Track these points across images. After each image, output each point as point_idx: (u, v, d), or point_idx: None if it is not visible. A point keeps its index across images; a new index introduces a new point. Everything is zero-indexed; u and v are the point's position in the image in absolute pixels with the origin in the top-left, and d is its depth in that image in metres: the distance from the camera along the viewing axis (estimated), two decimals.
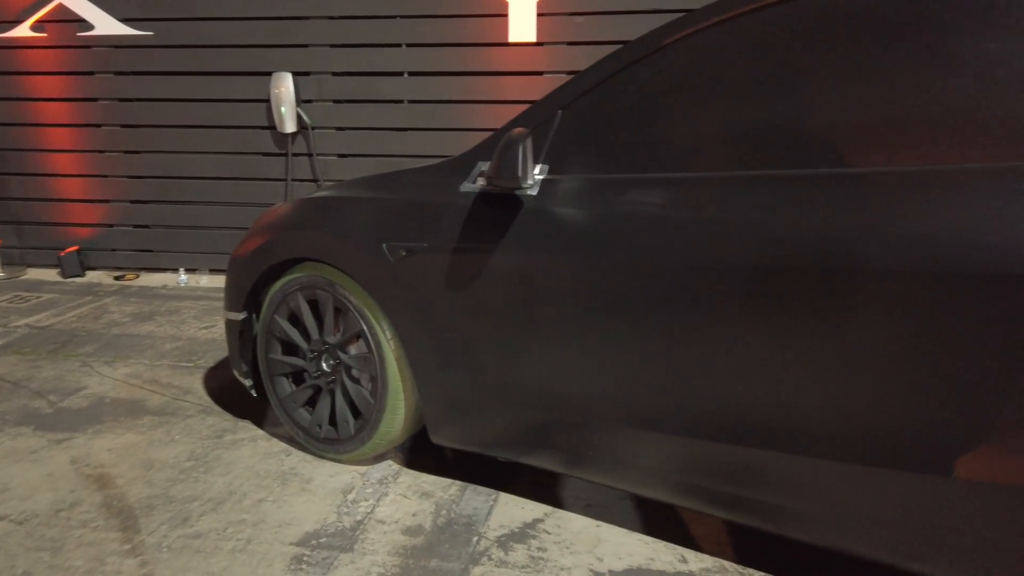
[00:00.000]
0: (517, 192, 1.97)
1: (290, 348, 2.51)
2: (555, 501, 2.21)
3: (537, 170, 1.98)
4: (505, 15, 4.59)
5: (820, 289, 1.54)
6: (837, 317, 1.53)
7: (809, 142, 1.64)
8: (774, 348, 1.62)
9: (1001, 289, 1.35)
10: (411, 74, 4.81)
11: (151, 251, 5.34)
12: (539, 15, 4.58)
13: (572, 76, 2.02)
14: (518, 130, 1.93)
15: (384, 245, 2.19)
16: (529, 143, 1.90)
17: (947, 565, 1.54)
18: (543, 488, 2.28)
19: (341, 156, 5.00)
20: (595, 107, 1.96)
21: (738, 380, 1.68)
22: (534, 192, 1.96)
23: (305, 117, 4.88)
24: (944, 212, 1.42)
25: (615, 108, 1.93)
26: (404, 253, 2.16)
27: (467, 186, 2.10)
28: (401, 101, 4.85)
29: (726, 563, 1.92)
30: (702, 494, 1.83)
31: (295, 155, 5.01)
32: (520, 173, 1.87)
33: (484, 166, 2.09)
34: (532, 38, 4.61)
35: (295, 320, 2.47)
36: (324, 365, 2.41)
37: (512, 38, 4.61)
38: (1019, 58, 1.40)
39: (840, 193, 1.55)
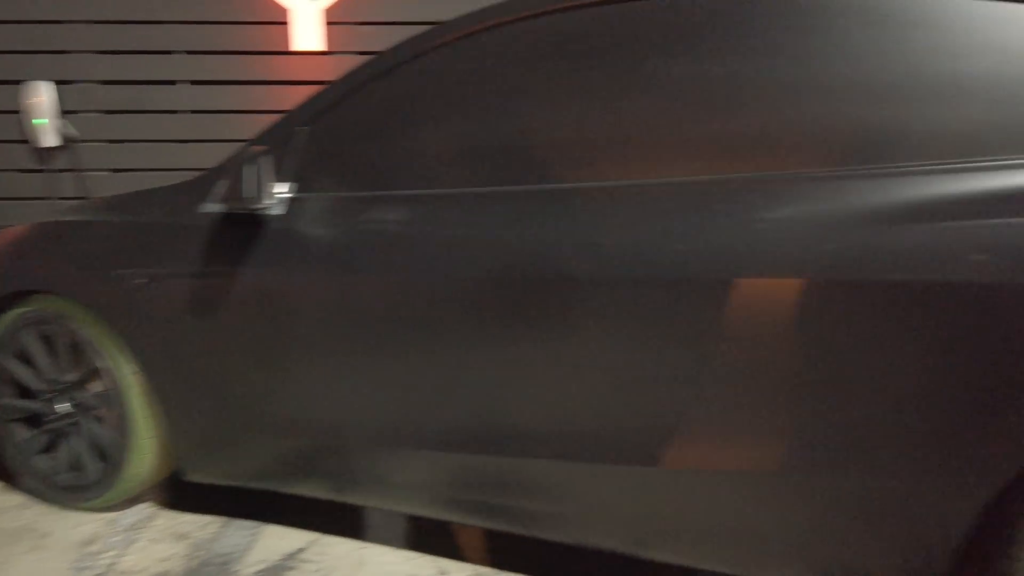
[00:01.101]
0: (258, 212, 1.90)
1: (23, 391, 2.26)
2: (321, 527, 2.15)
3: (284, 188, 1.91)
4: (285, 23, 4.44)
5: (550, 300, 1.60)
6: (562, 326, 1.60)
7: (540, 157, 1.70)
8: (511, 359, 1.67)
9: (697, 292, 1.47)
10: (193, 83, 4.53)
11: None
12: (329, 23, 4.48)
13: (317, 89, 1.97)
14: (255, 147, 1.86)
15: (122, 272, 2.03)
16: (266, 160, 1.83)
17: (673, 549, 1.66)
18: (310, 516, 2.20)
19: (115, 171, 4.61)
20: (338, 122, 1.93)
21: (483, 392, 1.71)
22: (278, 211, 1.90)
23: (68, 130, 4.44)
24: (649, 224, 1.53)
25: (357, 123, 1.91)
26: (144, 280, 2.01)
27: (208, 206, 1.99)
28: (180, 111, 4.55)
29: (484, 570, 1.96)
30: (460, 506, 1.85)
31: (61, 171, 4.55)
32: (255, 193, 1.80)
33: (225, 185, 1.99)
34: (320, 46, 4.50)
35: (27, 359, 2.23)
36: (62, 406, 2.19)
37: (295, 46, 4.47)
38: (716, 79, 1.53)
39: (564, 207, 1.62)
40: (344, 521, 2.18)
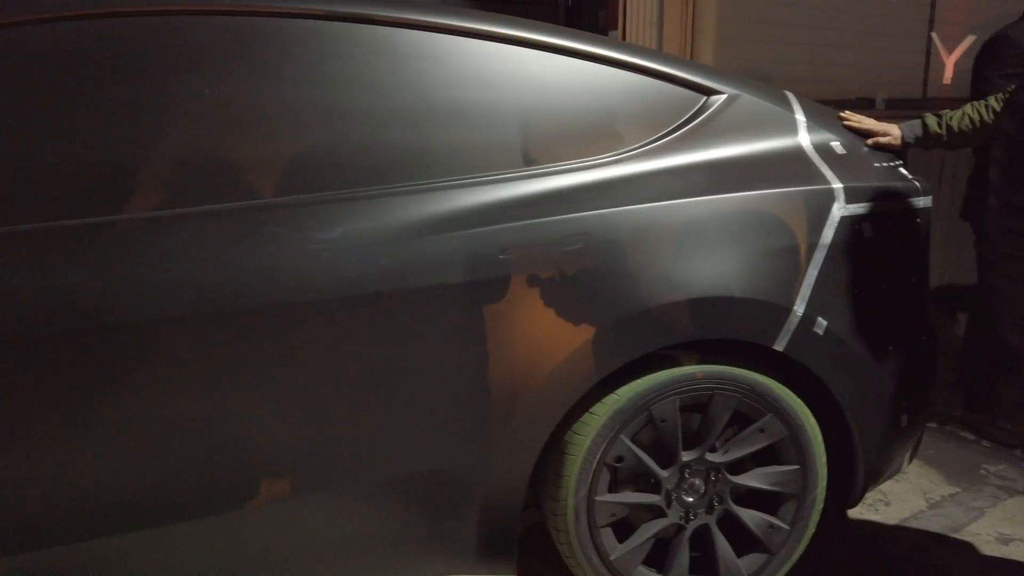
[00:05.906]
0: None
1: None
2: None
3: None
4: None
5: (96, 356, 1.36)
6: (122, 380, 1.38)
7: (59, 188, 1.39)
8: (59, 427, 1.38)
9: (265, 318, 1.41)
10: None
11: None
12: None
13: None
14: None
15: None
16: None
17: None
18: None
19: None
20: None
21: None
22: None
23: None
24: (202, 255, 1.40)
25: None
26: None
27: None
28: None
29: None
30: None
31: None
32: None
33: None
34: None
35: None
36: None
37: None
38: (250, 104, 1.46)
39: (95, 245, 1.37)
40: None
